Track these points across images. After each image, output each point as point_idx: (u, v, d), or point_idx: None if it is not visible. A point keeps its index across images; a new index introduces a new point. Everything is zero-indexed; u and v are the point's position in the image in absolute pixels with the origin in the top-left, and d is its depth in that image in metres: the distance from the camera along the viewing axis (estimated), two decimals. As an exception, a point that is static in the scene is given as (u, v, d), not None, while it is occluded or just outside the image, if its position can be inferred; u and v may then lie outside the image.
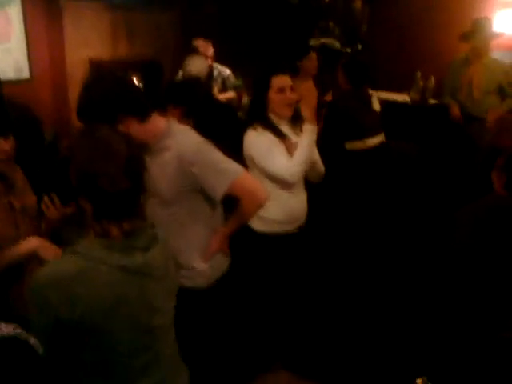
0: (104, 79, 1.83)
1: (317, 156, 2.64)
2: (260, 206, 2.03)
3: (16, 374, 1.10)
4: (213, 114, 3.16)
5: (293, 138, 2.50)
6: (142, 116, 1.80)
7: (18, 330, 1.10)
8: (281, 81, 2.44)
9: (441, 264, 2.12)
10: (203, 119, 2.71)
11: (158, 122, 1.88)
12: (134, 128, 1.78)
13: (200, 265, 2.01)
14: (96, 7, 4.79)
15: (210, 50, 4.51)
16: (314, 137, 2.44)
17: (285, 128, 2.52)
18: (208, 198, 1.96)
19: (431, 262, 2.90)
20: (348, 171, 3.75)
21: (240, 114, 4.82)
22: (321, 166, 2.66)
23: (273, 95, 2.45)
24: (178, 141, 1.88)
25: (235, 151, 2.44)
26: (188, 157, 1.84)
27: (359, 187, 3.75)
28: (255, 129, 2.46)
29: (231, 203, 2.04)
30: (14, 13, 4.21)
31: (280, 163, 2.39)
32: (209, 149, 1.91)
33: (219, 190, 1.88)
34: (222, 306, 2.17)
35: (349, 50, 5.59)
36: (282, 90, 2.43)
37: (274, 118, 2.49)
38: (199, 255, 2.01)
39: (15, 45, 4.19)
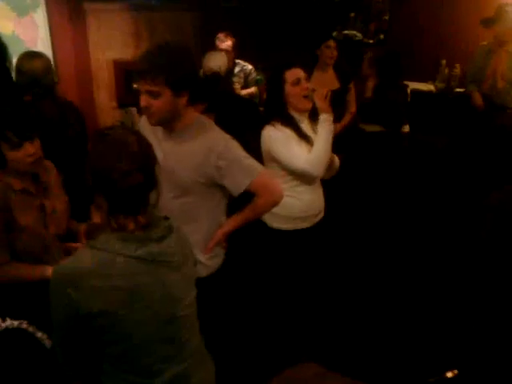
0: None
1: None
2: (275, 205, 2.06)
3: (21, 363, 1.14)
4: (234, 109, 3.17)
5: (312, 136, 2.49)
6: None
7: (25, 325, 1.14)
8: (294, 73, 2.45)
9: (470, 250, 2.10)
10: (225, 114, 2.72)
11: (189, 112, 1.95)
12: None
13: (200, 256, 2.01)
14: (118, 9, 4.85)
15: (228, 42, 4.49)
16: (332, 126, 2.43)
17: (304, 124, 2.52)
18: (219, 192, 2.00)
19: (461, 250, 2.86)
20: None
21: (262, 109, 4.82)
22: (336, 161, 2.63)
23: (289, 89, 2.44)
24: (209, 133, 1.94)
25: (257, 146, 2.45)
26: (218, 149, 1.89)
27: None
28: (274, 125, 2.45)
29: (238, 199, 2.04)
30: (39, 17, 4.30)
31: (302, 157, 2.39)
32: (236, 145, 1.97)
33: (241, 186, 1.92)
34: (234, 297, 2.18)
35: (371, 41, 5.53)
36: (297, 82, 2.43)
37: (294, 114, 2.48)
38: (201, 247, 2.02)
39: (41, 49, 4.27)
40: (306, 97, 2.45)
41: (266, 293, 2.69)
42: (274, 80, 2.51)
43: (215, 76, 3.49)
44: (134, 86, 4.52)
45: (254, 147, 2.40)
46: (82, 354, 1.39)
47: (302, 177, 2.46)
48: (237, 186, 1.92)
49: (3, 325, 1.13)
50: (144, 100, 1.82)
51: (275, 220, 2.56)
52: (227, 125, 2.07)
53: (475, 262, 2.14)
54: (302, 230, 2.59)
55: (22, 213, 1.85)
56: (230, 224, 2.07)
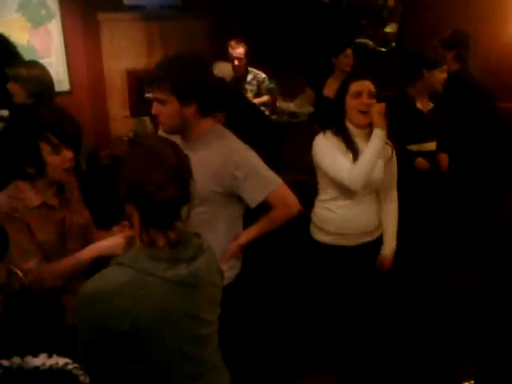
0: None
1: None
2: (291, 217, 2.01)
3: None
4: (244, 116, 3.16)
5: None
6: None
7: (70, 366, 1.09)
8: (358, 85, 2.32)
9: (489, 258, 2.05)
10: (235, 122, 2.71)
11: (204, 122, 1.93)
12: None
13: None
14: (131, 19, 4.90)
15: (239, 49, 4.50)
16: (382, 143, 2.26)
17: (359, 140, 2.35)
18: (236, 203, 1.97)
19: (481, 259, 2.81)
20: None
21: (275, 117, 4.82)
22: None
23: (349, 100, 2.33)
24: (227, 142, 1.93)
25: (267, 154, 2.43)
26: (235, 159, 1.87)
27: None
28: (325, 133, 2.39)
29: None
30: (54, 28, 4.37)
31: (342, 166, 2.28)
32: (254, 155, 1.95)
33: (257, 198, 1.90)
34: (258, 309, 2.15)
35: (383, 49, 5.52)
36: (358, 94, 2.30)
37: (350, 126, 2.37)
38: (217, 258, 1.99)
39: (55, 59, 4.35)
40: (364, 112, 2.31)
41: (285, 302, 2.63)
42: (340, 89, 2.41)
43: (220, 82, 3.48)
44: (146, 95, 4.57)
45: (264, 154, 2.38)
46: (106, 373, 1.34)
47: (342, 189, 2.35)
48: (254, 197, 1.90)
49: (48, 363, 1.08)
50: (154, 107, 1.85)
51: (315, 231, 2.49)
52: (237, 132, 2.04)
53: (494, 268, 2.10)
54: (344, 247, 2.44)
55: (39, 229, 1.77)
56: (246, 236, 2.03)
